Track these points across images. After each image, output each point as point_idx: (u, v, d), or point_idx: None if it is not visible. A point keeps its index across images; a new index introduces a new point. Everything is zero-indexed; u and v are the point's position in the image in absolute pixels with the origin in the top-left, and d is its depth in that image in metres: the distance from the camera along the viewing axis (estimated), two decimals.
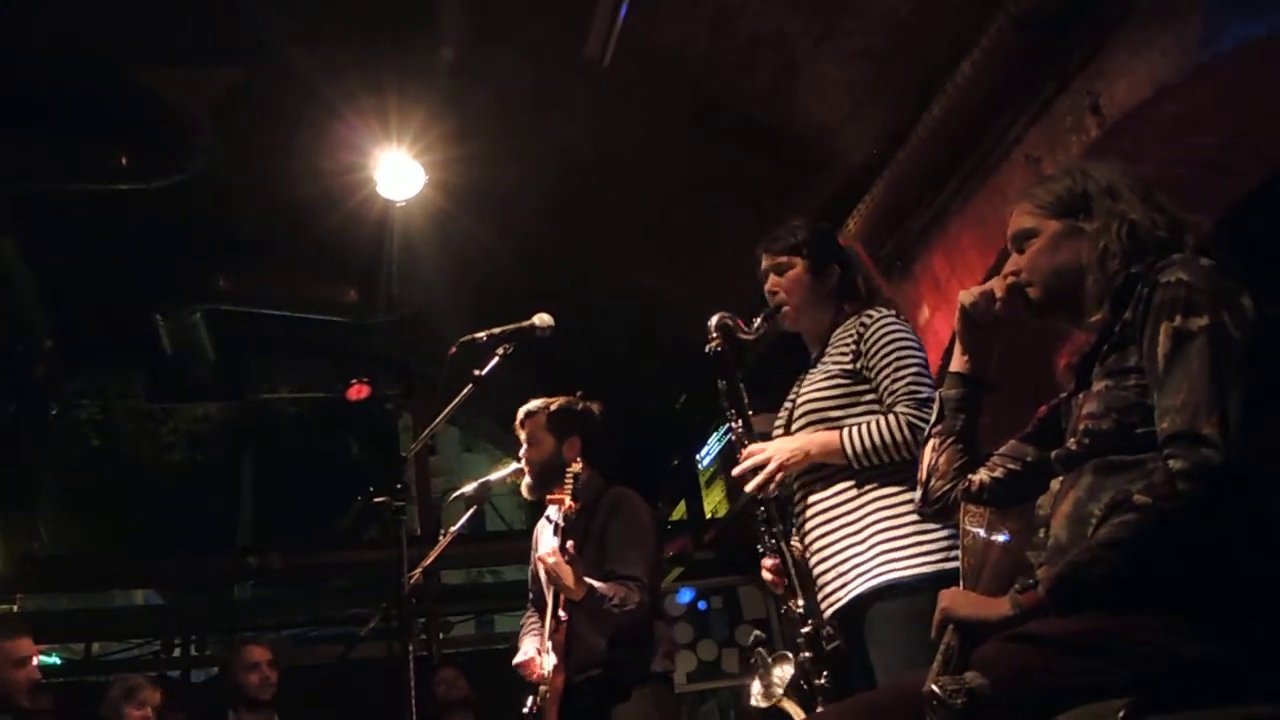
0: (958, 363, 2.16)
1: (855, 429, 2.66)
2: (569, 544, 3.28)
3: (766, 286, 2.93)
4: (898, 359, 2.69)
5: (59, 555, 8.87)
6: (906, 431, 2.58)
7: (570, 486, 3.37)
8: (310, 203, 5.85)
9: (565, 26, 4.78)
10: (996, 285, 2.05)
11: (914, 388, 2.64)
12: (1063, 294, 1.95)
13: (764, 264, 2.95)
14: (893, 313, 2.80)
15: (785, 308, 2.89)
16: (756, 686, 2.73)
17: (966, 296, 2.09)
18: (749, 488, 2.76)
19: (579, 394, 3.76)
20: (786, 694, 2.64)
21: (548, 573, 3.37)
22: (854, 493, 2.68)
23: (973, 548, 1.97)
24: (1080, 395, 1.90)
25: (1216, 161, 3.90)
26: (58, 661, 8.39)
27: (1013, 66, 4.11)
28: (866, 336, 2.74)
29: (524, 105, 5.41)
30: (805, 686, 2.59)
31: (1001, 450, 2.10)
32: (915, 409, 2.59)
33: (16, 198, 5.49)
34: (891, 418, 2.62)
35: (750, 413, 2.89)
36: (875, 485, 2.66)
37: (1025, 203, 2.03)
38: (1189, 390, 1.64)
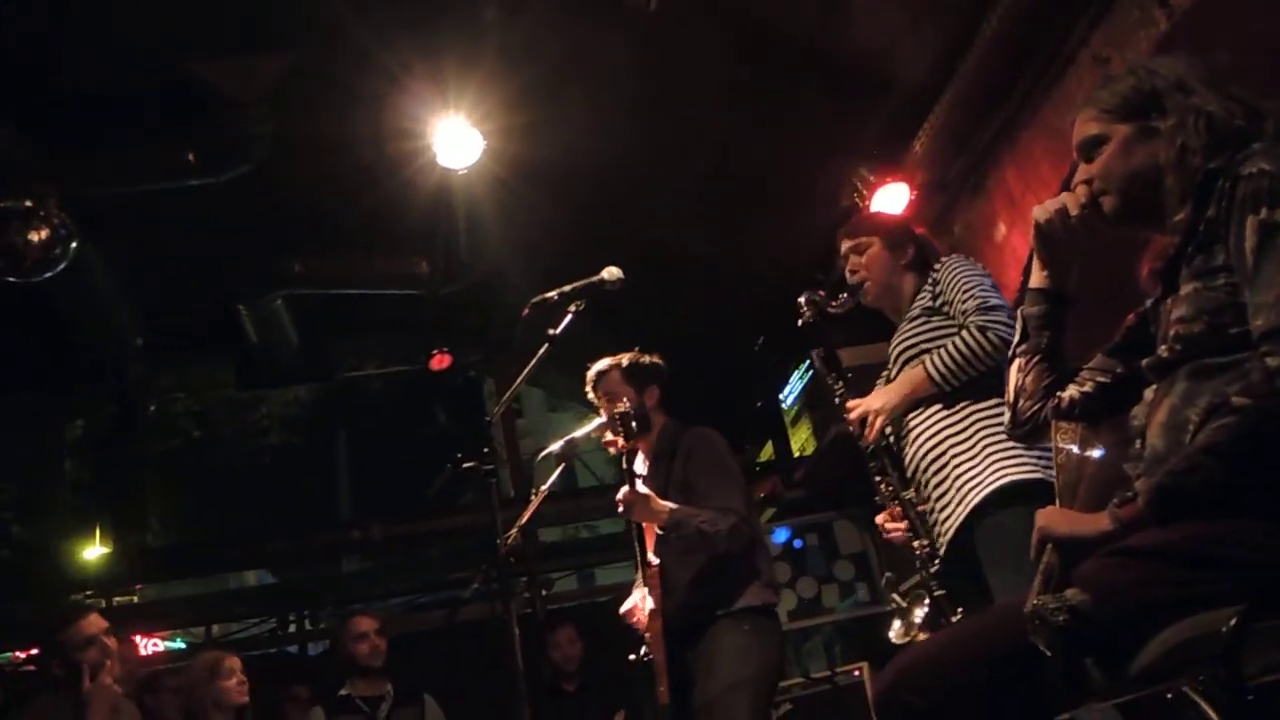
0: (1037, 278, 2.10)
1: (934, 354, 2.83)
2: (638, 485, 3.39)
3: (848, 267, 3.15)
4: (964, 282, 2.89)
5: (171, 545, 9.21)
6: (980, 337, 2.74)
7: (622, 429, 3.40)
8: (374, 179, 5.90)
9: None
10: (1069, 199, 1.99)
11: (981, 298, 2.81)
12: (1141, 199, 1.87)
13: (844, 247, 3.17)
14: (959, 254, 3.08)
15: (867, 284, 3.11)
16: (897, 625, 2.92)
17: (1040, 212, 2.03)
18: (864, 441, 2.96)
19: (636, 349, 3.79)
20: (924, 630, 2.78)
21: (623, 509, 3.42)
22: (952, 412, 2.83)
23: (1067, 465, 1.93)
24: (1168, 301, 1.83)
25: None
26: (183, 645, 8.72)
27: None
28: (938, 278, 2.97)
29: (573, 62, 5.37)
30: (944, 621, 2.71)
31: (1090, 364, 2.04)
32: (984, 314, 2.76)
33: (94, 204, 5.62)
34: (964, 332, 2.79)
35: (849, 375, 3.13)
36: (972, 399, 2.80)
37: (1089, 109, 1.94)
38: None
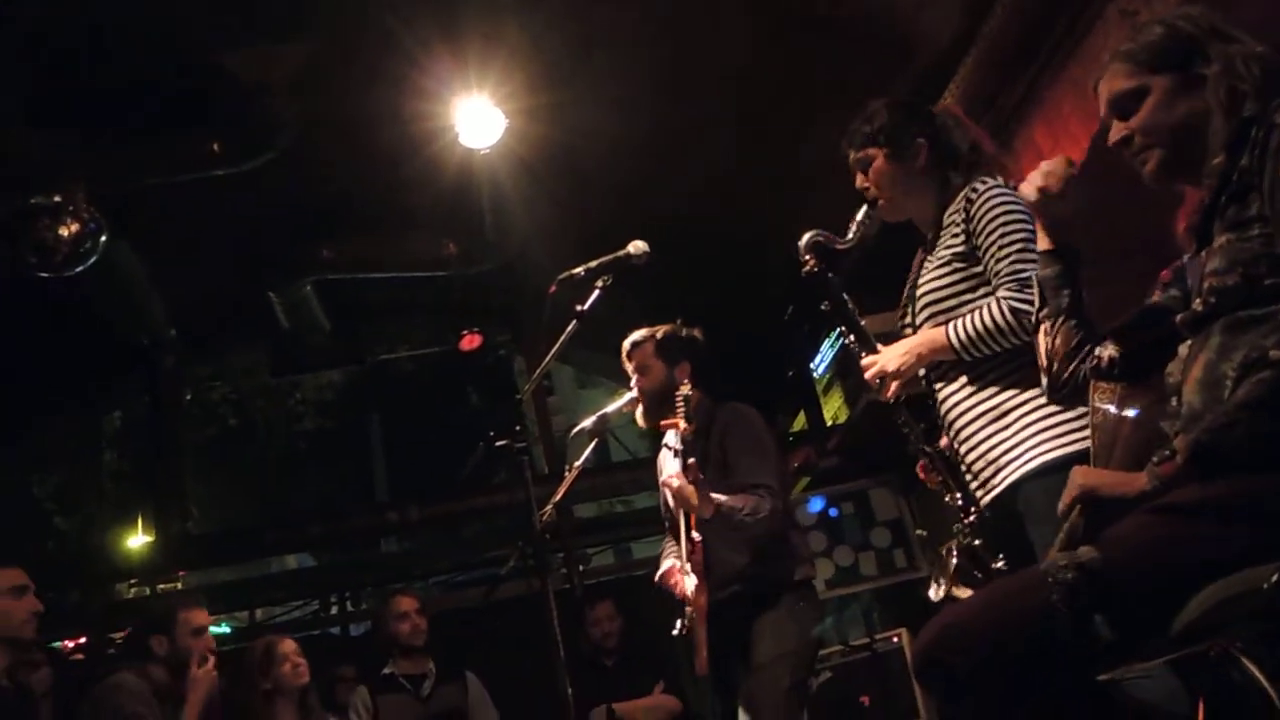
0: (1044, 242, 2.09)
1: (959, 321, 2.61)
2: (691, 462, 3.32)
3: (857, 184, 2.88)
4: (1001, 235, 2.59)
5: (212, 531, 9.31)
6: (1009, 316, 2.51)
7: (682, 409, 3.40)
8: (398, 161, 5.90)
9: None
10: (1047, 171, 2.02)
11: (1016, 267, 2.53)
12: (1188, 151, 1.83)
13: (850, 158, 2.90)
14: (999, 181, 2.69)
15: (880, 201, 2.83)
16: (934, 586, 2.73)
17: (1028, 189, 2.07)
18: (882, 399, 2.76)
19: (679, 321, 3.77)
20: (960, 583, 2.63)
21: (674, 497, 3.41)
22: (981, 381, 2.63)
23: (1103, 425, 1.91)
24: (1203, 254, 1.80)
25: None
26: (228, 630, 8.84)
27: None
28: (973, 214, 2.65)
29: (595, 40, 5.34)
30: (979, 575, 2.56)
31: (1126, 323, 2.02)
32: (1017, 290, 2.50)
33: (122, 198, 5.66)
34: (993, 303, 2.56)
35: (863, 323, 2.86)
36: (1001, 368, 2.60)
37: (1121, 63, 1.90)
38: None
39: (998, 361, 2.61)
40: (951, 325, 2.62)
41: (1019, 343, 2.50)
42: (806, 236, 2.86)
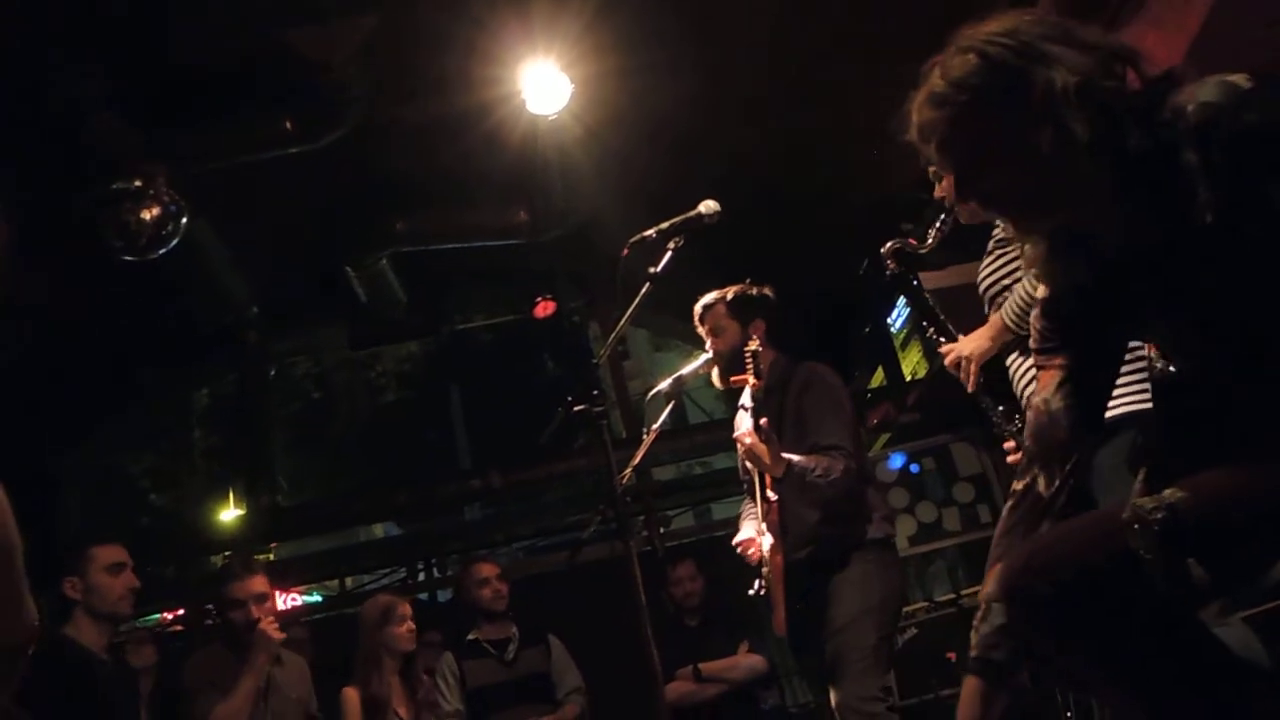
0: None
1: (1007, 303, 2.84)
2: (763, 420, 3.31)
3: (936, 194, 3.08)
4: None
5: (301, 503, 9.52)
6: (1032, 287, 2.71)
7: (751, 365, 3.40)
8: (465, 130, 5.92)
9: None
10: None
11: None
12: (1046, 195, 1.60)
13: (930, 174, 3.10)
14: None
15: (957, 207, 3.00)
16: None
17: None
18: (966, 384, 3.02)
19: (748, 280, 3.74)
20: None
21: (746, 454, 3.41)
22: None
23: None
24: (1168, 298, 1.60)
25: None
26: (319, 599, 9.06)
27: None
28: None
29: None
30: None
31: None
32: None
33: (200, 178, 5.77)
34: (1026, 278, 2.75)
35: (941, 316, 3.14)
36: None
37: (937, 109, 1.64)
38: None
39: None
40: (1004, 308, 2.86)
41: None
42: (889, 245, 3.14)
